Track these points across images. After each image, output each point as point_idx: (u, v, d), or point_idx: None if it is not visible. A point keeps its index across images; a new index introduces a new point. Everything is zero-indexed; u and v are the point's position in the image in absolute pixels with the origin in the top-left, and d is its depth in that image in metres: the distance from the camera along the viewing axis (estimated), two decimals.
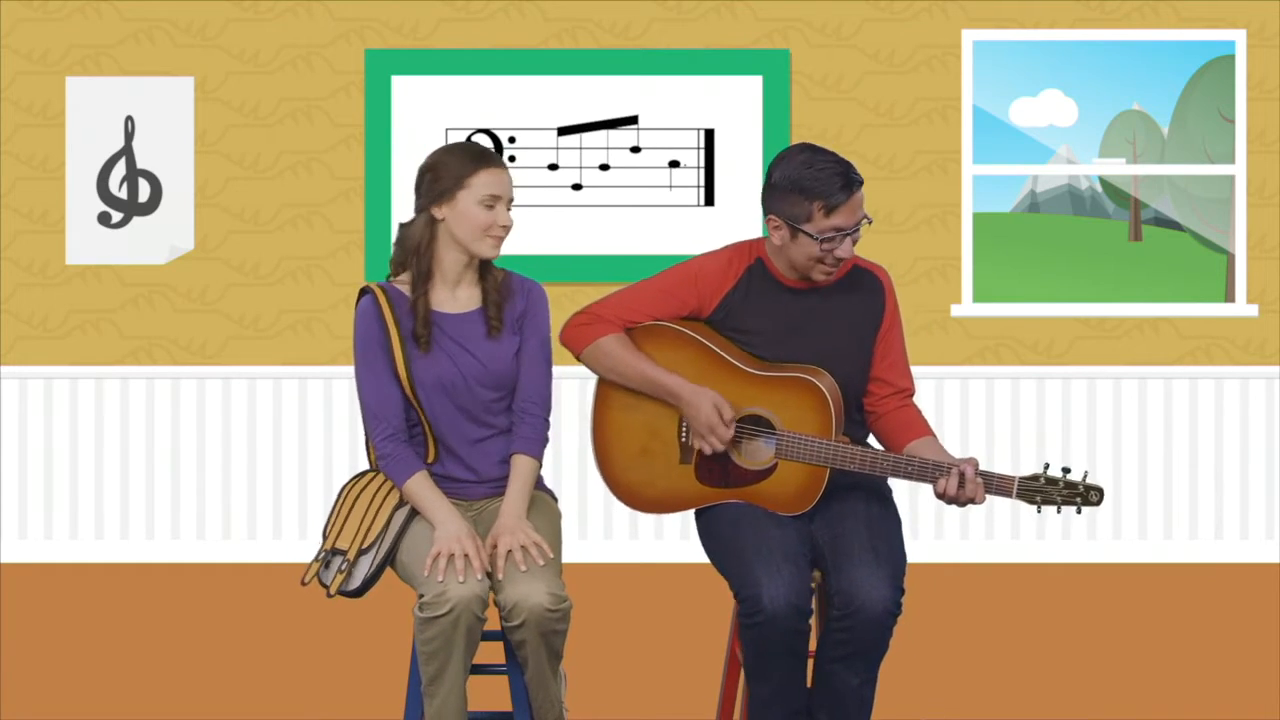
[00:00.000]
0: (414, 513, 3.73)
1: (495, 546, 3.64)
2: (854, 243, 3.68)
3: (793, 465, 3.67)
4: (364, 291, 3.78)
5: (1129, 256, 7.06)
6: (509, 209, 3.76)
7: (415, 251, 3.76)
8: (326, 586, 3.68)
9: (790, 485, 3.67)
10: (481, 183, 3.71)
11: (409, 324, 3.74)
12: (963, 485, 3.59)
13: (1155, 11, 6.96)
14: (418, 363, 3.73)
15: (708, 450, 3.70)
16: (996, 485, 3.59)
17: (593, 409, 3.83)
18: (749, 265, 3.77)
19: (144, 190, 6.94)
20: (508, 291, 3.80)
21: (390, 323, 3.73)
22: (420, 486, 3.70)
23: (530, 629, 3.54)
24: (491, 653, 4.67)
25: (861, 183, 3.66)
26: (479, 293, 3.79)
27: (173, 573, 6.70)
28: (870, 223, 3.72)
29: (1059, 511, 3.74)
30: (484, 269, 3.81)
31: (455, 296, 3.79)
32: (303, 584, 3.73)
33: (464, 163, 3.73)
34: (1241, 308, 6.97)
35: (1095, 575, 6.68)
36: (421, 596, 3.54)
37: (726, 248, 3.82)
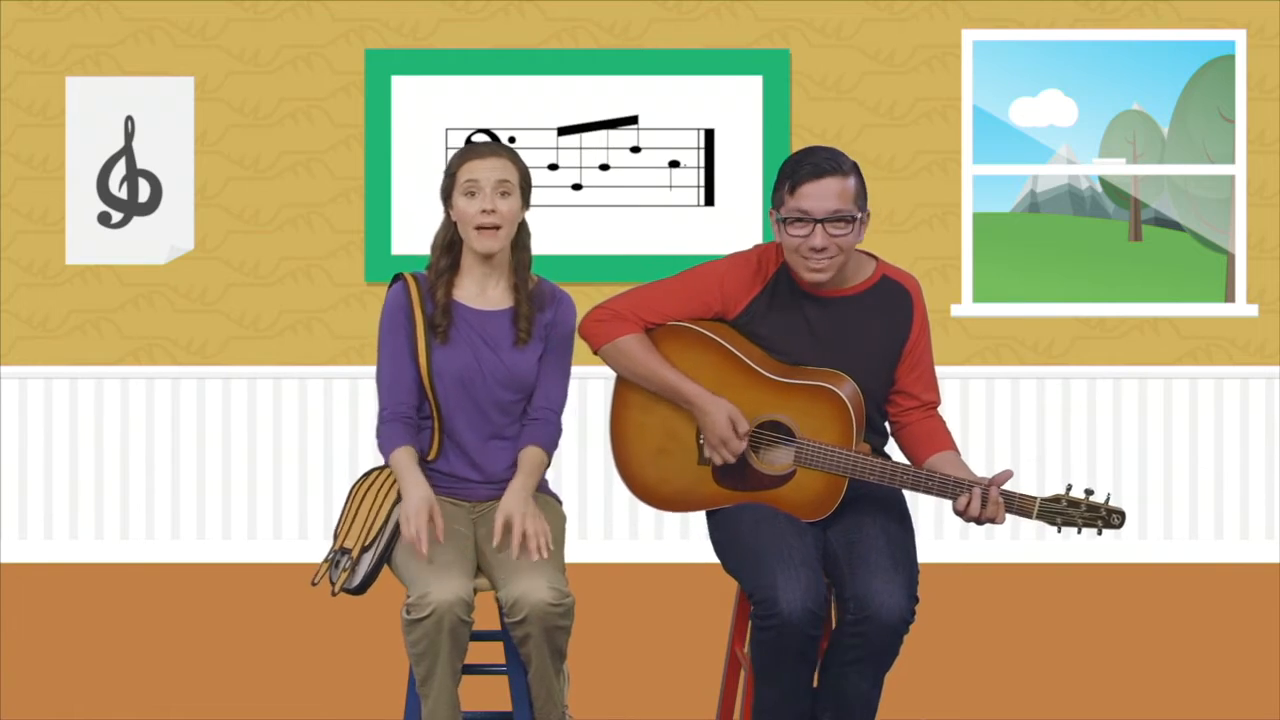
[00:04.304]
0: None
1: (493, 544, 3.65)
2: (838, 240, 3.59)
3: (811, 472, 3.65)
4: (396, 278, 3.81)
5: (1129, 256, 7.06)
6: (501, 194, 3.73)
7: (443, 248, 3.81)
8: (333, 585, 3.70)
9: (808, 492, 3.65)
10: (464, 173, 3.75)
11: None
12: (984, 504, 3.56)
13: (1155, 11, 6.96)
14: (439, 352, 3.75)
15: (718, 461, 3.68)
16: (1017, 506, 3.56)
17: (611, 406, 3.82)
18: (775, 271, 3.72)
19: (144, 190, 6.94)
20: (540, 302, 3.81)
21: (417, 309, 3.76)
22: (401, 458, 3.72)
23: (533, 624, 3.54)
24: (491, 653, 4.67)
25: (835, 171, 3.58)
26: (510, 296, 3.80)
27: (173, 573, 6.70)
28: (856, 220, 3.61)
29: (1079, 533, 3.70)
30: (519, 274, 3.81)
31: (484, 294, 3.80)
32: (313, 584, 3.74)
33: (455, 161, 3.79)
34: (1241, 308, 6.97)
35: (1096, 575, 6.68)
36: (408, 598, 3.55)
37: (753, 250, 3.77)
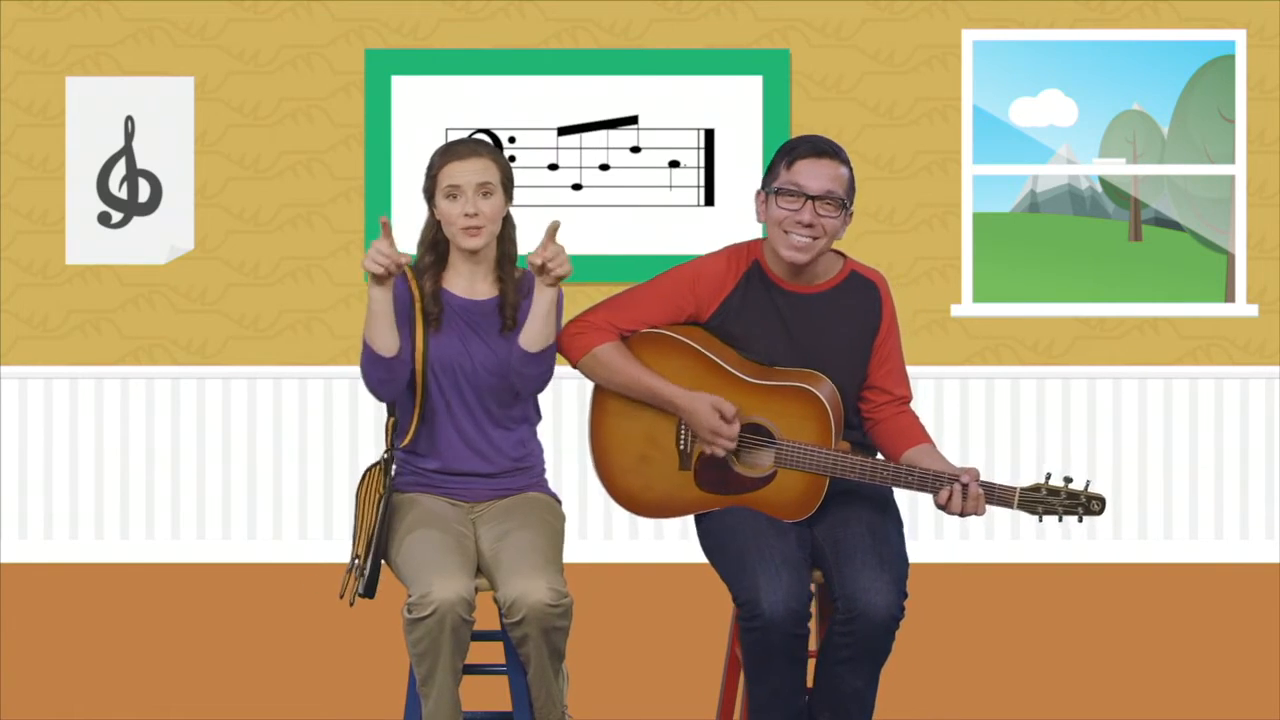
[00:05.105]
0: (392, 505, 3.74)
1: (492, 551, 3.66)
2: (826, 224, 3.64)
3: (793, 473, 3.66)
4: None
5: (1129, 256, 7.06)
6: (484, 196, 3.76)
7: (429, 246, 3.85)
8: (352, 595, 3.71)
9: (790, 492, 3.66)
10: (444, 177, 3.78)
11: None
12: (965, 497, 3.58)
13: (1155, 11, 6.96)
14: (432, 340, 3.76)
15: (720, 453, 3.68)
16: (998, 496, 3.59)
17: (590, 416, 3.82)
18: (747, 268, 3.75)
19: (144, 190, 6.94)
20: (525, 290, 3.84)
21: (416, 295, 3.78)
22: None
23: (531, 625, 3.55)
24: (491, 653, 4.67)
25: (833, 155, 3.67)
26: (496, 287, 3.82)
27: (173, 573, 6.70)
28: (845, 207, 3.67)
29: (1060, 520, 3.73)
30: (504, 268, 3.83)
31: (473, 286, 3.82)
32: (341, 597, 3.76)
33: (434, 162, 3.81)
34: (1241, 308, 6.97)
35: (1095, 575, 6.68)
36: (409, 597, 3.55)
37: (724, 250, 3.80)
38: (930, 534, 6.91)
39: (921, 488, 3.60)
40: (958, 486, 3.58)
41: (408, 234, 6.86)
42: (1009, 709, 4.75)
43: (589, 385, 6.87)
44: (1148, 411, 6.94)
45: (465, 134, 6.91)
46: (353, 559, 3.75)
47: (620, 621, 5.86)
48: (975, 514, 3.60)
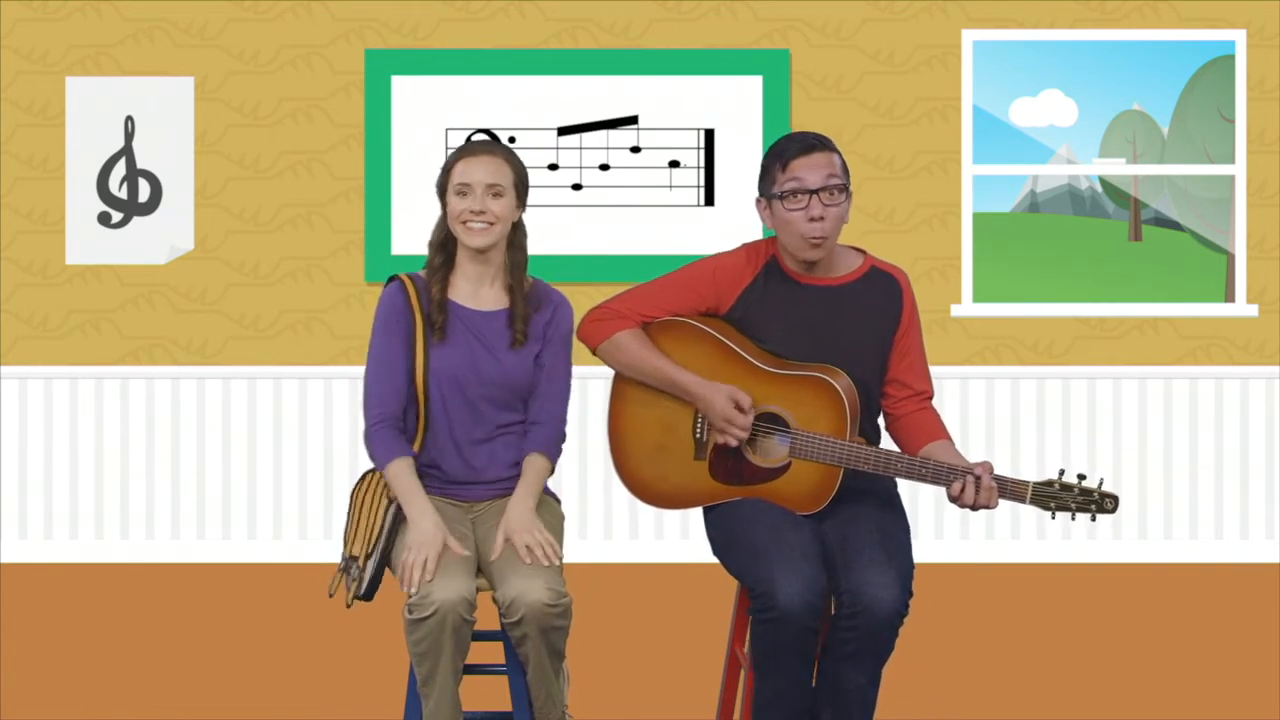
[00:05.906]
0: (399, 514, 3.73)
1: (502, 543, 3.66)
2: (835, 212, 3.68)
3: (807, 464, 3.66)
4: (392, 279, 3.81)
5: (1129, 256, 7.06)
6: (493, 195, 3.75)
7: (437, 246, 3.81)
8: (347, 596, 3.70)
9: (804, 484, 3.67)
10: (456, 173, 3.78)
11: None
12: (978, 490, 3.59)
13: (1155, 11, 6.96)
14: (435, 351, 3.75)
15: (733, 443, 3.69)
16: (1011, 491, 3.60)
17: (609, 404, 3.84)
18: (765, 262, 3.78)
19: (144, 190, 6.94)
20: (535, 302, 3.82)
21: (415, 309, 3.76)
22: (401, 472, 3.70)
23: (530, 625, 3.54)
24: (491, 653, 4.67)
25: (822, 147, 3.71)
26: (505, 297, 3.81)
27: (173, 573, 6.70)
28: (847, 191, 3.70)
29: (1074, 518, 3.72)
30: (514, 275, 3.81)
31: (478, 294, 3.81)
32: (331, 596, 3.75)
33: (451, 158, 3.81)
34: (1241, 308, 6.97)
35: (1095, 575, 6.68)
36: (409, 598, 3.55)
37: (743, 246, 3.83)
38: (930, 533, 6.91)
39: (935, 480, 3.61)
40: (970, 479, 3.59)
41: (406, 233, 6.91)
42: (1009, 709, 4.75)
43: (590, 386, 6.87)
44: (1148, 411, 6.94)
45: (465, 134, 6.92)
46: (347, 560, 3.73)
47: (620, 621, 5.86)
48: (987, 507, 3.60)
